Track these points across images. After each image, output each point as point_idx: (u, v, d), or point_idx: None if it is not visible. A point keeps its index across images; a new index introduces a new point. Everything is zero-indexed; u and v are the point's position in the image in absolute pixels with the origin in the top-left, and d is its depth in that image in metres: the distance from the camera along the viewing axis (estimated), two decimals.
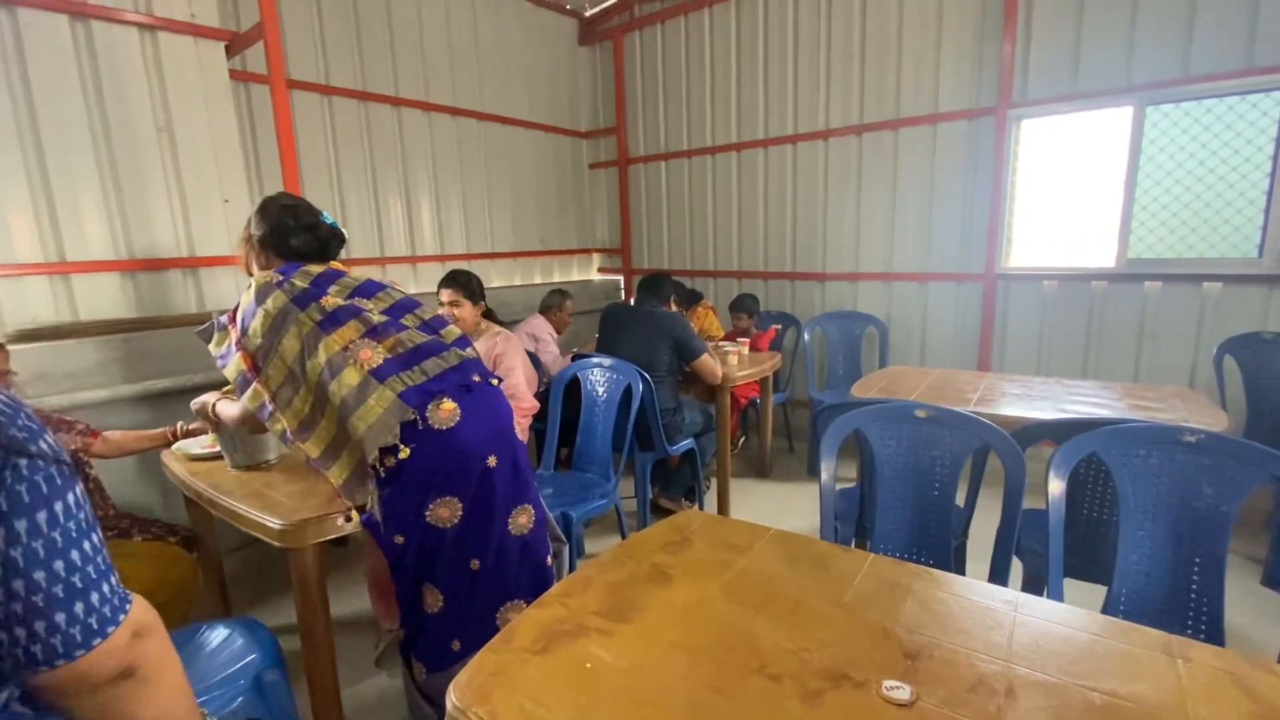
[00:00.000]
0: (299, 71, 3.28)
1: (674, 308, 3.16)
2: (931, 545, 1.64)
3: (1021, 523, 1.53)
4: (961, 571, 1.71)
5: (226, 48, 2.63)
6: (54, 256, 2.29)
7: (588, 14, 4.90)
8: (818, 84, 3.99)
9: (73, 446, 1.87)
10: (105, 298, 2.41)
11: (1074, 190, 3.37)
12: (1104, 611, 1.43)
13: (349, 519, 1.42)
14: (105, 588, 0.64)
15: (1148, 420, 1.82)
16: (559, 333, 3.58)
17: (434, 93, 3.92)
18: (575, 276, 5.21)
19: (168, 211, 2.52)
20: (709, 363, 2.93)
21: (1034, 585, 1.78)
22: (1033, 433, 1.74)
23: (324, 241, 1.55)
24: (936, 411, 1.59)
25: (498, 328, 2.59)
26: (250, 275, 1.57)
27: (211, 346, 1.49)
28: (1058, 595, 1.44)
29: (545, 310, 3.61)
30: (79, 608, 0.61)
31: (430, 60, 3.89)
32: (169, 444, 1.98)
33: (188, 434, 2.00)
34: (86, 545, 0.63)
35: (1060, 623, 0.97)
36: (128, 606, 0.66)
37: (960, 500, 1.69)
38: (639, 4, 4.69)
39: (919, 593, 1.05)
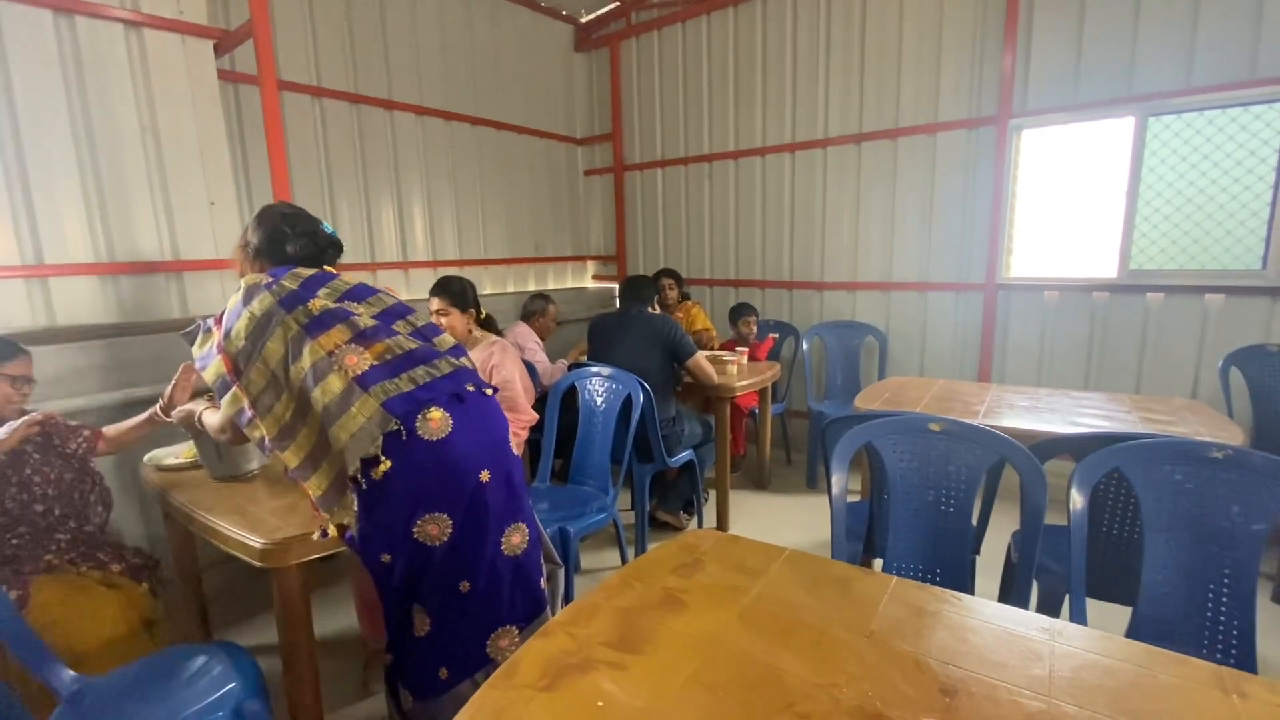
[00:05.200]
0: (290, 72, 3.20)
1: (656, 309, 3.11)
2: (947, 562, 1.57)
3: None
4: (972, 588, 1.65)
5: (215, 46, 2.55)
6: (31, 259, 2.19)
7: (584, 20, 4.86)
8: (816, 93, 3.96)
9: (80, 450, 1.75)
10: (84, 301, 2.31)
11: (1075, 201, 3.35)
12: (1130, 634, 1.37)
13: (325, 534, 1.34)
14: None
15: (1165, 434, 1.78)
16: (543, 339, 3.49)
17: (427, 96, 3.85)
18: (570, 284, 5.13)
19: (151, 214, 2.43)
20: (702, 363, 2.91)
21: (1050, 604, 1.72)
22: (1049, 447, 1.69)
23: (321, 248, 1.51)
24: (952, 425, 1.53)
25: (493, 337, 2.51)
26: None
27: (194, 349, 1.43)
28: (1080, 616, 1.38)
29: (528, 317, 3.51)
30: None
31: (424, 63, 3.82)
32: (160, 421, 1.79)
33: (170, 407, 1.76)
34: None
35: (1102, 654, 0.91)
36: None
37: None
38: (636, 11, 4.66)
39: (948, 620, 0.99)
